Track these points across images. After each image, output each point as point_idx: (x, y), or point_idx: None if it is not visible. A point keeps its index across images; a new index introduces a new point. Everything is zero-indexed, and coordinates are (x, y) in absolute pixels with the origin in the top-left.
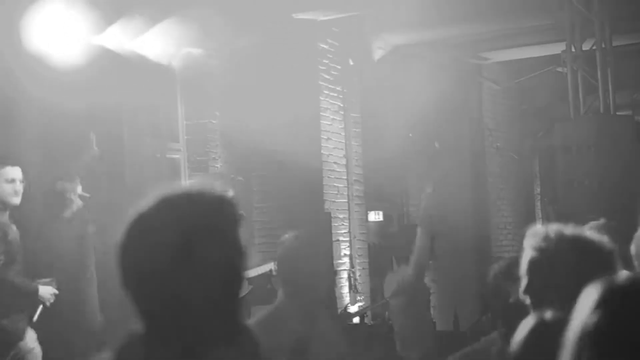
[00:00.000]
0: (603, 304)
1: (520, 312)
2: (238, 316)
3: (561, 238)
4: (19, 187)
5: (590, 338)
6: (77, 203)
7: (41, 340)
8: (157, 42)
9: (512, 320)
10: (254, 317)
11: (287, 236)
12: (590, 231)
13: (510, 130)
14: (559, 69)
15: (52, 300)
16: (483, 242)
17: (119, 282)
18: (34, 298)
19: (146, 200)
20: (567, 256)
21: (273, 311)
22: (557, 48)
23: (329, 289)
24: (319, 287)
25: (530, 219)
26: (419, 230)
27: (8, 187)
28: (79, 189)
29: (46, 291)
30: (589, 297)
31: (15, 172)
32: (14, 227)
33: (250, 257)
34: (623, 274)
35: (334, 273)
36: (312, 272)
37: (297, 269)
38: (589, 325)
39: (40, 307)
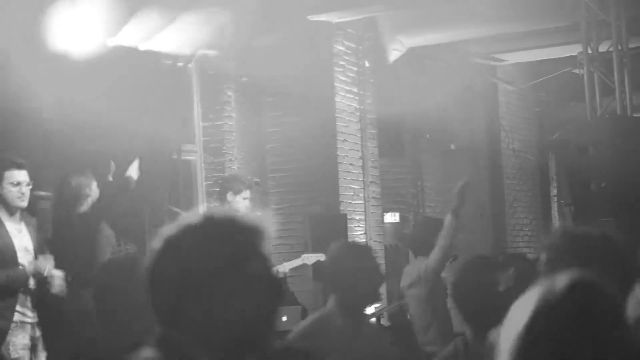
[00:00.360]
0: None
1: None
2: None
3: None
4: (25, 189)
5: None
6: (93, 198)
7: (47, 334)
8: (173, 44)
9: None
10: (304, 322)
11: (335, 244)
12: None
13: (526, 132)
14: (576, 71)
15: (60, 284)
16: (499, 243)
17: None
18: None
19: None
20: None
21: (322, 317)
22: (574, 50)
23: (378, 294)
24: (368, 291)
25: (546, 221)
26: (449, 216)
27: (14, 190)
28: (94, 185)
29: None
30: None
31: (22, 175)
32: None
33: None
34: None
35: (382, 277)
36: (361, 277)
37: (347, 274)
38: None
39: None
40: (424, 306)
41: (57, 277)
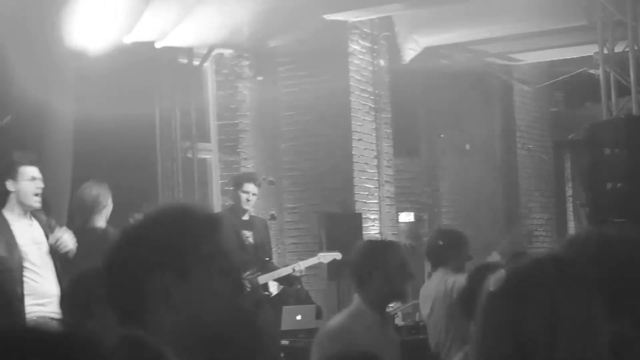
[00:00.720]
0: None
1: None
2: None
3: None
4: (41, 185)
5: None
6: (107, 211)
7: None
8: (189, 43)
9: None
10: (332, 320)
11: (359, 242)
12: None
13: (541, 132)
14: (592, 71)
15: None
16: (514, 244)
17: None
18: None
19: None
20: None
21: (351, 314)
22: (590, 50)
23: (405, 292)
24: (396, 289)
25: (562, 221)
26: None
27: (30, 186)
28: (110, 198)
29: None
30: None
31: (36, 171)
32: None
33: (282, 256)
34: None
35: (410, 276)
36: (390, 274)
37: (375, 272)
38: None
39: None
40: (447, 320)
41: (66, 235)
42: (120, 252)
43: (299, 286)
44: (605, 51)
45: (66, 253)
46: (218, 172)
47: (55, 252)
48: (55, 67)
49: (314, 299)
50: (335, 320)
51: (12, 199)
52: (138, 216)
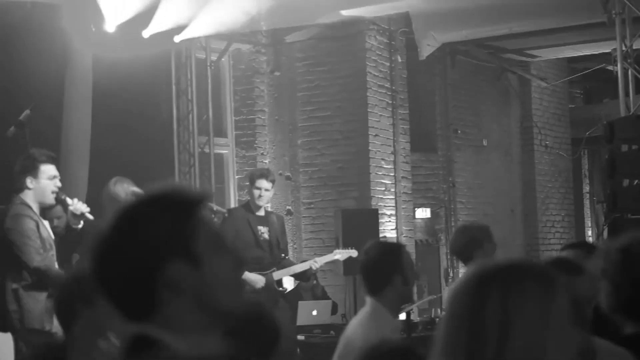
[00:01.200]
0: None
1: None
2: None
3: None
4: (59, 184)
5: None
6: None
7: None
8: (206, 38)
9: None
10: (356, 317)
11: (370, 245)
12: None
13: (559, 129)
14: (610, 67)
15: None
16: (531, 240)
17: None
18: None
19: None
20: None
21: (373, 312)
22: (608, 46)
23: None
24: (411, 292)
25: (579, 218)
26: None
27: (50, 184)
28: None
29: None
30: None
31: (55, 169)
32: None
33: (298, 252)
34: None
35: (417, 277)
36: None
37: (386, 271)
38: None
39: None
40: None
41: (76, 202)
42: (118, 247)
43: (314, 282)
44: (624, 48)
45: (82, 215)
46: (235, 168)
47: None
48: (73, 62)
49: (330, 294)
50: (362, 332)
51: (30, 195)
52: (121, 207)
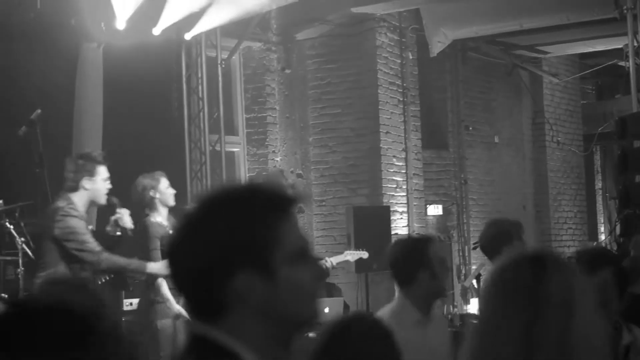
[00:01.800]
0: None
1: None
2: None
3: None
4: (109, 186)
5: None
6: (163, 199)
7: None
8: (217, 37)
9: None
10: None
11: (397, 240)
12: None
13: (571, 125)
14: (622, 63)
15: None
16: (543, 237)
17: None
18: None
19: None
20: None
21: (395, 310)
22: (620, 42)
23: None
24: (437, 286)
25: (591, 215)
26: None
27: (104, 186)
28: (163, 186)
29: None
30: None
31: (107, 171)
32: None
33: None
34: None
35: (448, 271)
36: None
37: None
38: None
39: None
40: None
41: (125, 215)
42: (193, 241)
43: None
44: (636, 43)
45: (124, 230)
46: (246, 165)
47: (108, 236)
48: (84, 61)
49: (341, 292)
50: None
51: (83, 196)
52: (194, 204)
